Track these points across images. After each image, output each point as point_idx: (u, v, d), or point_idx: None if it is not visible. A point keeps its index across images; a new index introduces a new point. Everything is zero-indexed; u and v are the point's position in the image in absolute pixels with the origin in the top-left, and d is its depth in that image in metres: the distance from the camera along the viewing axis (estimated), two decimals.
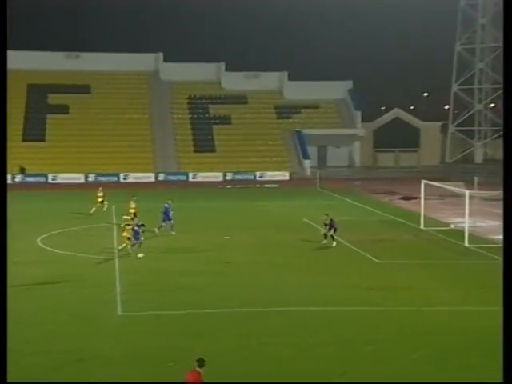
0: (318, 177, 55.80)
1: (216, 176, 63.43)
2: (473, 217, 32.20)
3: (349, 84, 73.64)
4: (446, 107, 79.81)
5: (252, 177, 63.69)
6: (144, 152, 66.14)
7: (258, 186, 59.16)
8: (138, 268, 24.92)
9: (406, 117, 74.67)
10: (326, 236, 29.27)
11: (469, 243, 29.54)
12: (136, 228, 26.77)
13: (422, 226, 34.28)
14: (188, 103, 72.27)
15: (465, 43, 72.93)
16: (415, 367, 15.34)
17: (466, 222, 30.35)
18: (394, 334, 17.66)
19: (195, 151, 67.46)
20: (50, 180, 61.00)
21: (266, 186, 59.29)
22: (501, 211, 36.72)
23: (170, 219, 31.62)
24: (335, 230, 29.20)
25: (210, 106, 71.82)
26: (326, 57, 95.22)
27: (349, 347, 16.61)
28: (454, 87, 72.97)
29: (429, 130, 73.72)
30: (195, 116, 71.05)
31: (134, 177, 62.32)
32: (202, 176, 63.36)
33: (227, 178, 63.44)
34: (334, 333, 17.65)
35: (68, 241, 30.45)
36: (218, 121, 70.46)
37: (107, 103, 69.72)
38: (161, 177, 63.31)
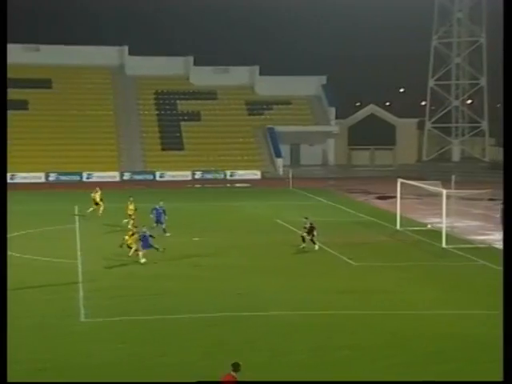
0: (290, 176, 55.95)
1: (184, 175, 63.22)
2: (450, 217, 32.61)
3: (322, 79, 73.95)
4: (423, 103, 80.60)
5: (222, 176, 63.60)
6: (108, 150, 65.64)
7: (228, 185, 59.15)
8: (102, 273, 24.76)
9: (381, 113, 75.22)
10: (303, 239, 29.38)
11: (446, 244, 29.92)
12: (146, 235, 26.24)
13: (398, 227, 34.61)
14: (155, 99, 71.91)
15: (441, 37, 73.70)
16: (392, 374, 15.47)
17: (443, 222, 30.73)
18: (369, 339, 17.79)
19: (162, 149, 67.15)
20: (8, 180, 60.17)
21: (237, 185, 59.28)
22: (478, 211, 37.23)
23: (161, 222, 31.43)
24: (313, 235, 29.29)
25: (177, 101, 71.54)
26: (298, 51, 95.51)
27: (323, 353, 16.70)
28: (431, 83, 73.67)
29: (405, 126, 74.34)
30: (162, 112, 70.71)
31: (97, 176, 61.82)
32: (170, 175, 63.09)
33: (196, 177, 63.28)
34: (307, 338, 17.73)
35: (29, 244, 30.13)
36: (186, 117, 70.21)
37: (69, 99, 69.05)
38: (126, 176, 62.90)
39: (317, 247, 29.07)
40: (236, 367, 12.07)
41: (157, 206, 31.89)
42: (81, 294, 21.98)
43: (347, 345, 17.21)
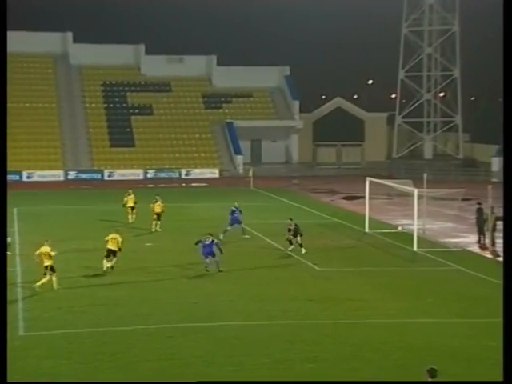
0: (251, 175, 56.01)
1: (136, 174, 62.80)
2: (422, 218, 32.98)
3: (285, 70, 74.19)
4: (393, 96, 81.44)
5: (177, 175, 63.36)
6: (51, 147, 64.83)
7: (183, 185, 58.96)
8: (45, 282, 24.39)
9: (348, 107, 75.80)
10: (291, 242, 29.62)
11: (418, 247, 30.25)
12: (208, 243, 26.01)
13: (366, 229, 34.88)
14: (102, 91, 71.27)
15: (412, 25, 74.54)
16: None
17: (414, 224, 31.05)
18: (335, 350, 17.89)
19: (111, 146, 66.60)
20: None
21: (193, 185, 59.14)
22: (452, 212, 37.74)
23: (239, 222, 32.53)
24: (301, 235, 29.52)
25: (127, 94, 71.03)
26: (259, 40, 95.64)
27: (285, 367, 16.74)
28: (401, 74, 74.47)
29: (374, 121, 75.03)
30: (111, 105, 70.11)
31: (39, 175, 61.04)
32: (120, 174, 62.59)
33: (148, 176, 62.90)
34: (268, 350, 17.75)
35: None
36: (137, 111, 69.76)
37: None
38: (71, 175, 62.23)
39: (304, 251, 29.23)
40: (433, 373, 12.00)
41: (233, 207, 33.04)
42: (20, 305, 21.63)
43: (311, 357, 17.28)
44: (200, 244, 26.62)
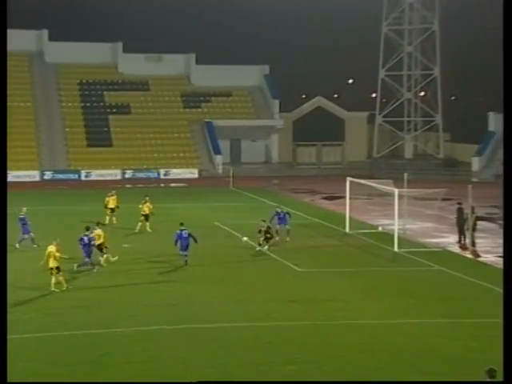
0: (231, 175, 56.02)
1: (113, 174, 62.55)
2: (403, 218, 33.19)
3: (265, 69, 74.26)
4: (373, 95, 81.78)
5: (156, 175, 63.20)
6: (27, 147, 64.39)
7: (162, 185, 58.84)
8: (20, 283, 24.27)
9: (329, 106, 76.01)
10: (276, 231, 30.41)
11: (398, 248, 30.44)
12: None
13: (347, 230, 35.03)
14: (79, 89, 70.90)
15: (392, 24, 74.93)
16: None
17: (395, 224, 31.24)
18: (316, 352, 17.97)
19: (88, 145, 66.28)
20: None
21: (172, 185, 59.03)
22: (432, 212, 37.96)
23: (286, 223, 32.49)
24: (269, 238, 29.99)
25: (105, 92, 70.72)
26: (239, 38, 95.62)
27: (266, 369, 16.78)
28: (381, 73, 74.82)
29: (354, 120, 75.29)
30: (88, 105, 69.77)
31: (14, 175, 60.49)
32: (97, 174, 62.31)
33: (126, 176, 62.68)
34: (249, 352, 17.78)
35: None
36: (114, 110, 69.47)
37: None
38: (47, 175, 61.87)
39: (266, 248, 29.55)
40: (492, 373, 12.08)
41: (279, 210, 32.88)
42: None
43: (292, 359, 17.33)
44: (178, 241, 26.98)
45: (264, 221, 30.26)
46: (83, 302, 22.30)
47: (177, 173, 63.50)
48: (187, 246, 27.25)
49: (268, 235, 29.82)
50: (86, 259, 26.10)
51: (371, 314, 21.18)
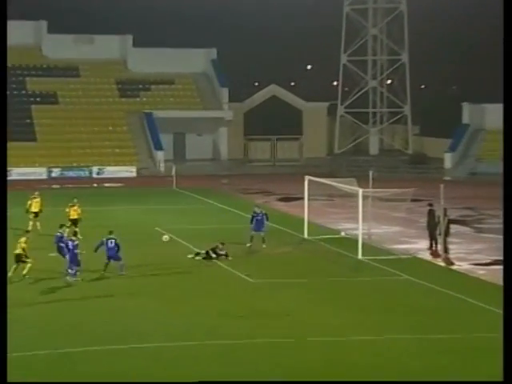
0: (174, 173, 55.88)
1: (38, 173, 61.92)
2: (367, 222, 33.45)
3: (212, 53, 74.24)
4: (334, 83, 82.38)
5: (87, 173, 62.73)
6: None
7: (95, 185, 58.40)
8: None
9: (285, 95, 76.33)
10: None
11: (363, 255, 30.69)
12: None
13: (305, 235, 35.19)
14: None
15: (354, 3, 75.57)
16: None
17: (359, 229, 31.48)
18: (269, 373, 18.00)
19: (9, 140, 65.31)
20: None
21: (107, 185, 58.65)
22: (400, 214, 38.32)
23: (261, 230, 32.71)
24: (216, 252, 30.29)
25: (27, 79, 69.91)
26: (182, 18, 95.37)
27: None
28: (343, 58, 75.42)
29: (313, 112, 75.75)
30: (7, 92, 68.67)
31: None
32: (19, 173, 61.48)
33: (53, 175, 62.09)
34: (192, 374, 17.73)
35: None
36: (39, 99, 68.71)
37: None
38: None
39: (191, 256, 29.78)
40: None
41: (257, 210, 33.26)
42: None
43: (242, 381, 17.32)
44: (103, 247, 27.10)
45: (223, 244, 30.42)
46: None
47: (112, 171, 63.07)
48: (115, 256, 27.25)
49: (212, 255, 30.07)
50: (73, 267, 26.35)
51: (329, 331, 21.28)
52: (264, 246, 32.64)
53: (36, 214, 35.80)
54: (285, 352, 19.52)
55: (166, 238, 31.14)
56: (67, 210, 34.71)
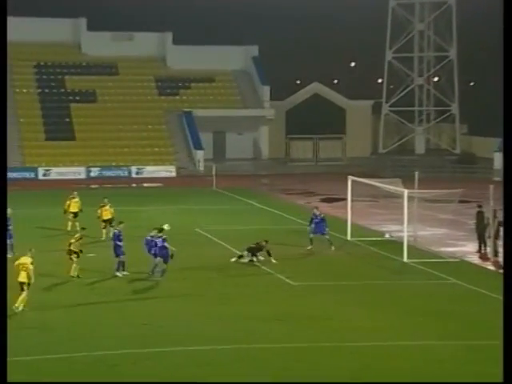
0: (213, 173, 56.03)
1: (76, 172, 62.48)
2: (412, 223, 33.21)
3: (253, 50, 74.28)
4: (379, 81, 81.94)
5: (126, 173, 63.13)
6: None
7: (134, 185, 58.79)
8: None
9: (327, 93, 76.12)
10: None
11: (408, 258, 30.50)
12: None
13: (348, 237, 35.06)
14: (35, 73, 70.74)
15: None
16: None
17: (404, 231, 31.27)
18: (308, 379, 17.93)
19: (47, 139, 66.12)
20: None
21: (145, 185, 59.00)
22: (447, 216, 37.97)
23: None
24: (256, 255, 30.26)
25: (66, 77, 70.57)
26: (222, 14, 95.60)
27: None
28: (388, 55, 75.00)
29: (357, 110, 75.43)
30: (46, 91, 69.60)
31: None
32: (57, 172, 62.20)
33: (92, 174, 62.60)
34: (230, 379, 17.75)
35: None
36: (77, 97, 69.35)
37: None
38: None
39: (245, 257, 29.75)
40: None
41: (316, 213, 33.09)
42: None
43: None
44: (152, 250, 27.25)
45: (267, 241, 30.32)
46: (33, 322, 22.18)
47: (151, 171, 63.43)
48: (166, 257, 27.10)
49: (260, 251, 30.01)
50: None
51: (373, 335, 21.18)
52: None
53: (75, 215, 36.09)
54: (323, 356, 19.46)
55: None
56: (98, 210, 34.93)
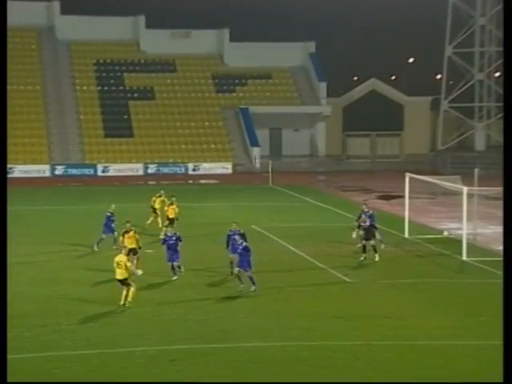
0: (270, 170, 56.12)
1: (134, 169, 63.21)
2: (472, 221, 32.88)
3: (310, 46, 74.22)
4: (438, 77, 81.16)
5: (183, 170, 63.69)
6: (35, 136, 65.25)
7: (190, 181, 59.22)
8: (20, 294, 24.56)
9: (385, 90, 75.73)
10: (364, 248, 30.02)
11: (467, 256, 30.18)
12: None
13: (406, 234, 34.85)
14: (95, 71, 71.64)
15: None
16: None
17: (463, 229, 30.97)
18: (366, 377, 17.87)
19: (106, 136, 66.96)
20: None
21: (202, 181, 59.39)
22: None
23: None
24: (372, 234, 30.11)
25: (125, 74, 71.37)
26: (279, 11, 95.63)
27: None
28: (448, 50, 74.27)
29: (415, 106, 74.96)
30: (105, 88, 70.48)
31: (21, 170, 61.47)
32: (116, 169, 63.02)
33: (149, 171, 63.27)
34: (288, 376, 17.78)
35: None
36: (136, 95, 70.09)
37: None
38: (59, 170, 62.66)
39: (377, 257, 29.76)
40: None
41: (365, 209, 32.63)
42: None
43: None
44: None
45: (365, 204, 30.33)
46: (96, 316, 22.48)
47: (207, 167, 63.86)
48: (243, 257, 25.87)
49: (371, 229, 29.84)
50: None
51: (433, 334, 21.02)
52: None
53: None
54: (382, 355, 19.36)
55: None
56: (165, 208, 34.98)
